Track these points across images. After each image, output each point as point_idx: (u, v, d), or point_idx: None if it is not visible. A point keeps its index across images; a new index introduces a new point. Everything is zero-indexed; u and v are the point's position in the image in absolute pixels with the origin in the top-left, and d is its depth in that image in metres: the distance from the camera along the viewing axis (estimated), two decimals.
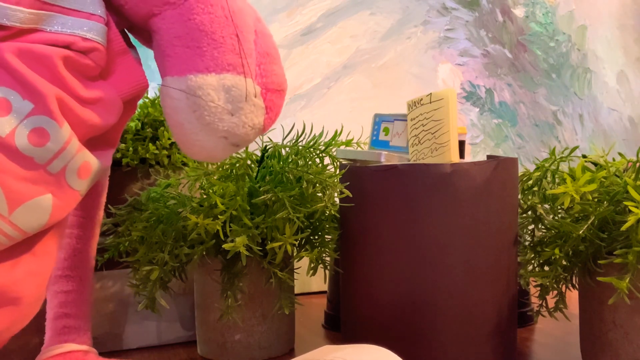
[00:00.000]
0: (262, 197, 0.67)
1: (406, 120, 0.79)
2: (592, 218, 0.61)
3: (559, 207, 0.67)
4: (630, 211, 0.57)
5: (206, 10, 0.51)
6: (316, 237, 0.73)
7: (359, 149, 0.83)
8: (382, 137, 0.83)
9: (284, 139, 0.74)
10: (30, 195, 0.46)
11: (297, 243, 0.72)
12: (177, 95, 0.52)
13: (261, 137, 0.75)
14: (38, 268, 0.50)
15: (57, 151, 0.47)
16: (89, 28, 0.49)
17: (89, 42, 0.48)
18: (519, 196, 0.72)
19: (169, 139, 0.85)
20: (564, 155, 0.71)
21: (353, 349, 0.53)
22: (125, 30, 0.57)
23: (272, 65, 0.55)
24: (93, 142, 0.52)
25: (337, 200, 0.73)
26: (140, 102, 0.82)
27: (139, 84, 0.53)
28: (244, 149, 0.76)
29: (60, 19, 0.48)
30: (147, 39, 0.57)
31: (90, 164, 0.50)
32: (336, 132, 0.76)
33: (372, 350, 0.52)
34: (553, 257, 0.64)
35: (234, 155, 0.75)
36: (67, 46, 0.48)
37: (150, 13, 0.52)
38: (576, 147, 0.71)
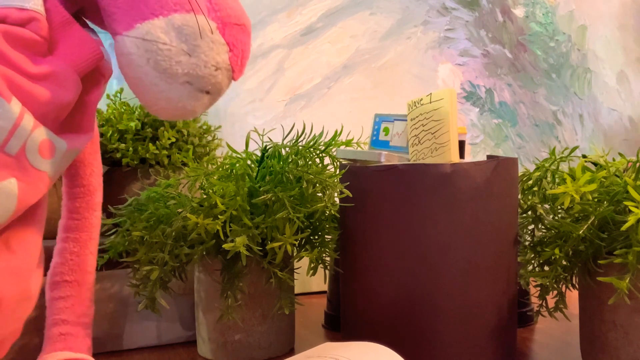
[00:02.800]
0: (262, 197, 0.67)
1: (406, 120, 0.79)
2: (592, 218, 0.61)
3: (559, 207, 0.67)
4: (630, 211, 0.57)
5: None
6: (316, 237, 0.73)
7: (359, 149, 0.83)
8: (382, 137, 0.83)
9: (284, 139, 0.74)
10: None
11: (297, 243, 0.72)
12: (128, 49, 0.49)
13: (261, 137, 0.75)
14: (17, 265, 0.47)
15: (10, 129, 0.44)
16: None
17: (24, 12, 0.46)
18: (519, 196, 0.72)
19: (169, 138, 0.85)
20: (564, 155, 0.71)
21: (353, 346, 0.53)
22: (84, 18, 0.55)
23: None
24: (58, 125, 0.49)
25: (337, 200, 0.73)
26: None
27: (91, 53, 0.50)
28: (244, 146, 0.76)
29: None
30: (102, 20, 0.54)
31: (52, 143, 0.48)
32: (336, 132, 0.76)
33: (372, 348, 0.53)
34: (553, 257, 0.64)
35: (234, 155, 0.75)
36: (1, 20, 0.45)
37: None
38: (576, 147, 0.71)
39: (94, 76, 0.52)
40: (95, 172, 0.63)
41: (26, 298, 0.49)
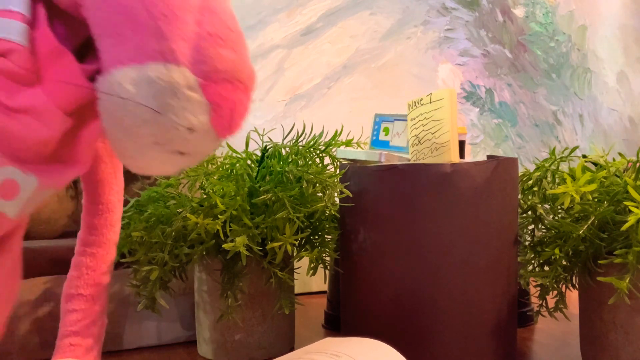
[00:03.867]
0: (262, 197, 0.67)
1: (406, 120, 0.79)
2: (592, 218, 0.61)
3: (559, 207, 0.67)
4: (630, 211, 0.57)
5: None
6: (316, 237, 0.73)
7: (359, 149, 0.83)
8: (382, 137, 0.83)
9: (284, 139, 0.74)
10: None
11: (297, 243, 0.72)
12: (100, 95, 0.44)
13: (261, 137, 0.75)
14: None
15: None
16: (2, 27, 0.43)
17: (3, 43, 0.43)
18: (519, 196, 0.72)
19: None
20: (564, 155, 0.71)
21: (353, 342, 0.53)
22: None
23: (218, 49, 0.44)
24: (37, 157, 0.46)
25: (337, 200, 0.73)
26: None
27: (79, 89, 0.45)
28: (243, 147, 0.75)
29: None
30: None
31: (16, 183, 0.45)
32: (336, 132, 0.76)
33: (372, 344, 0.53)
34: (553, 257, 0.64)
35: (234, 155, 0.75)
36: None
37: (74, 3, 0.45)
38: (576, 147, 0.71)
39: (93, 108, 0.48)
40: (114, 190, 0.62)
41: None
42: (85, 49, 0.49)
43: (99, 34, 0.44)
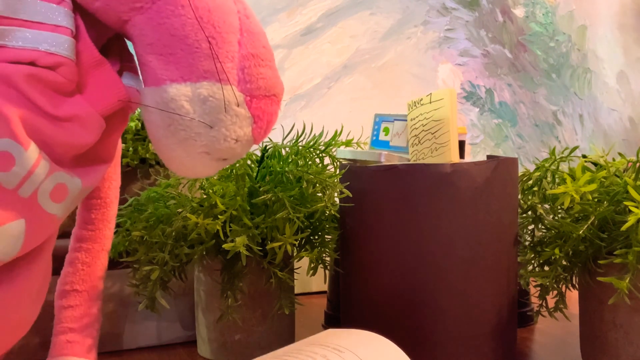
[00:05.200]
0: (262, 197, 0.67)
1: (406, 120, 0.79)
2: (592, 218, 0.61)
3: (559, 207, 0.67)
4: (630, 211, 0.57)
5: (176, 12, 0.46)
6: (316, 237, 0.73)
7: (359, 149, 0.83)
8: (382, 137, 0.83)
9: (284, 139, 0.74)
10: (1, 221, 0.43)
11: (297, 243, 0.72)
12: (151, 108, 0.48)
13: None
14: (10, 299, 0.47)
15: (25, 175, 0.44)
16: (53, 42, 0.45)
17: (54, 57, 0.45)
18: (519, 196, 0.72)
19: None
20: (564, 155, 0.71)
21: (356, 337, 0.53)
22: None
23: (259, 68, 0.49)
24: (76, 159, 0.49)
25: (337, 200, 0.73)
26: None
27: (115, 97, 0.48)
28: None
29: (21, 34, 0.44)
30: None
31: (66, 187, 0.47)
32: (336, 132, 0.76)
33: (376, 341, 0.53)
34: (553, 257, 0.64)
35: None
36: (31, 62, 0.44)
37: (119, 20, 0.48)
38: (576, 147, 0.71)
39: (124, 111, 0.51)
40: (113, 185, 0.63)
41: (13, 331, 0.49)
42: (106, 49, 0.51)
43: (146, 52, 0.47)
